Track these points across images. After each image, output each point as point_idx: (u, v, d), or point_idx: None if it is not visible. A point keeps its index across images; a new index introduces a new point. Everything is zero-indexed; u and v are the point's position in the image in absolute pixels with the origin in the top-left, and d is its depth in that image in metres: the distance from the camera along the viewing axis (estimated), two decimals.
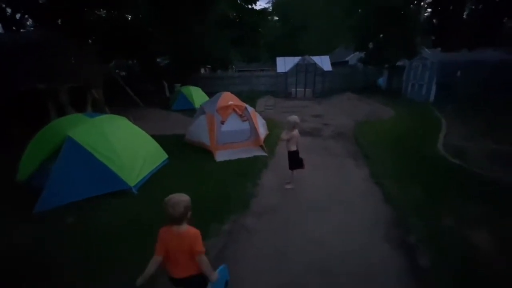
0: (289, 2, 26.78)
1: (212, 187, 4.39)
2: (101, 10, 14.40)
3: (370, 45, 16.44)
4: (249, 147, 6.28)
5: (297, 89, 16.85)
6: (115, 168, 4.18)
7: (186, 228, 1.82)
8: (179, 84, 15.84)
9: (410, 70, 14.84)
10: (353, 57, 24.13)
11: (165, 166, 5.23)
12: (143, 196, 4.14)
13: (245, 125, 6.34)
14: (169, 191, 1.91)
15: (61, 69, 7.22)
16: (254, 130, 6.32)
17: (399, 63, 16.67)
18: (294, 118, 4.21)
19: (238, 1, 22.26)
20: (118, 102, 13.34)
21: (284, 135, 4.28)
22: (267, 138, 7.08)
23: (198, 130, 6.35)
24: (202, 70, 23.30)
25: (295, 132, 4.24)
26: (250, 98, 14.18)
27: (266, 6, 26.52)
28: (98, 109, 9.23)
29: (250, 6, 23.49)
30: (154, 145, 5.33)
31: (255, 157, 5.80)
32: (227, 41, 18.38)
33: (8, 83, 6.67)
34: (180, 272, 1.88)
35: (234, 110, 6.26)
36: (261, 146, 6.29)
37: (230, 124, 6.20)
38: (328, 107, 12.66)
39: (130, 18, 15.15)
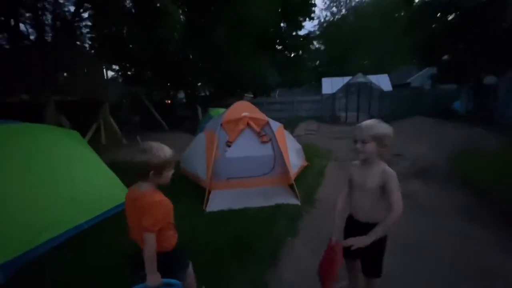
0: (338, 23, 24.94)
1: None
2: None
3: (445, 57, 12.93)
4: (271, 186, 3.72)
5: (348, 113, 13.93)
6: None
7: (145, 189, 1.34)
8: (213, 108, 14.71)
9: (509, 87, 10.84)
10: (416, 78, 20.42)
11: (108, 219, 2.95)
12: None
13: (266, 150, 3.87)
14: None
15: (51, 79, 6.01)
16: (280, 157, 3.78)
17: (486, 81, 12.72)
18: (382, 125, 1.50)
19: (282, 30, 21.25)
20: (143, 125, 12.49)
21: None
22: (302, 172, 4.43)
23: (192, 156, 4.10)
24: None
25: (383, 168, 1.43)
26: (290, 123, 11.90)
27: (312, 29, 24.87)
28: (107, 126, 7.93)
29: (294, 33, 22.32)
30: (106, 181, 3.17)
31: (278, 208, 3.17)
32: (268, 66, 17.18)
33: None
34: (138, 240, 1.37)
35: (248, 125, 3.90)
36: (290, 185, 3.67)
37: (240, 146, 3.80)
38: (394, 134, 9.45)
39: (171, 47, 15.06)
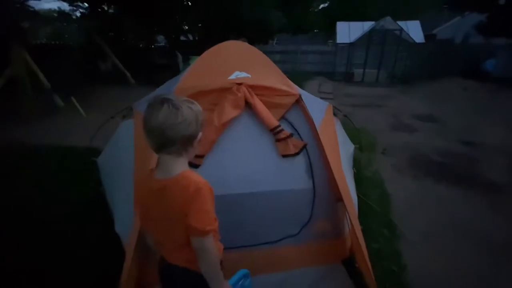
0: None
1: None
2: None
3: (502, 1, 9.85)
4: (304, 269, 1.50)
5: (366, 70, 11.20)
6: None
7: (181, 168, 0.80)
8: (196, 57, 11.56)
9: None
10: (444, 29, 17.21)
11: None
12: None
13: (294, 175, 1.51)
14: None
15: None
16: (328, 194, 1.48)
17: None
18: None
19: None
20: (103, 76, 9.53)
21: None
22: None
23: (112, 173, 1.73)
24: None
25: None
26: (295, 80, 9.22)
27: None
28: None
29: None
30: None
31: None
32: (270, 3, 13.56)
33: None
34: (166, 253, 0.88)
35: (248, 105, 1.47)
36: (346, 261, 1.45)
37: (226, 165, 1.44)
38: (433, 102, 7.09)
39: None
